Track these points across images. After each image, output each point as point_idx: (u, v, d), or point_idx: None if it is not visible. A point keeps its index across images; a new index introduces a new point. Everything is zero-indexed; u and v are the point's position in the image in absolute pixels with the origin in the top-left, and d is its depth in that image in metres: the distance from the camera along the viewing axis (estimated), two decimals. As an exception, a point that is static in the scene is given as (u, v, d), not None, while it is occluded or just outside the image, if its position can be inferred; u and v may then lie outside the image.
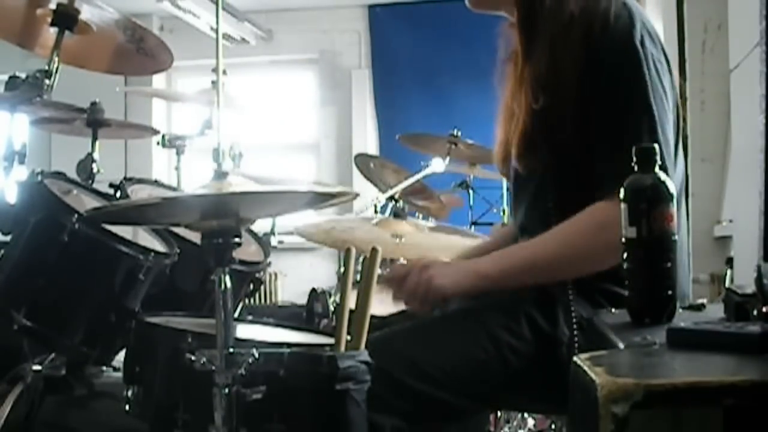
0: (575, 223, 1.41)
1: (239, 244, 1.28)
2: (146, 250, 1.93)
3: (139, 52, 2.28)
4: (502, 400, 1.46)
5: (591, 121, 1.42)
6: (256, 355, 1.28)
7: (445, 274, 1.45)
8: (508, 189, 2.91)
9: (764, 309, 0.98)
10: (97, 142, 2.85)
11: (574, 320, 1.38)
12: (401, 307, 1.53)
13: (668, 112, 1.43)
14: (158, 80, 5.99)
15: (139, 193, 2.31)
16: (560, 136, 1.43)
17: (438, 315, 1.54)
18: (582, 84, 1.41)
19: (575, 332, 1.38)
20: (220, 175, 1.29)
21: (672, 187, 1.11)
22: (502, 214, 3.80)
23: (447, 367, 1.40)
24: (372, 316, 1.33)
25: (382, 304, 1.56)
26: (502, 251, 1.51)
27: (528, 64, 1.49)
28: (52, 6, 2.08)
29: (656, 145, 1.14)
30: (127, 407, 1.53)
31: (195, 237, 1.78)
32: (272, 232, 2.97)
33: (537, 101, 1.45)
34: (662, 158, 1.24)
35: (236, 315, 2.09)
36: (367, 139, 6.08)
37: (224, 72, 2.37)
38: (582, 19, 1.43)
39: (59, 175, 2.15)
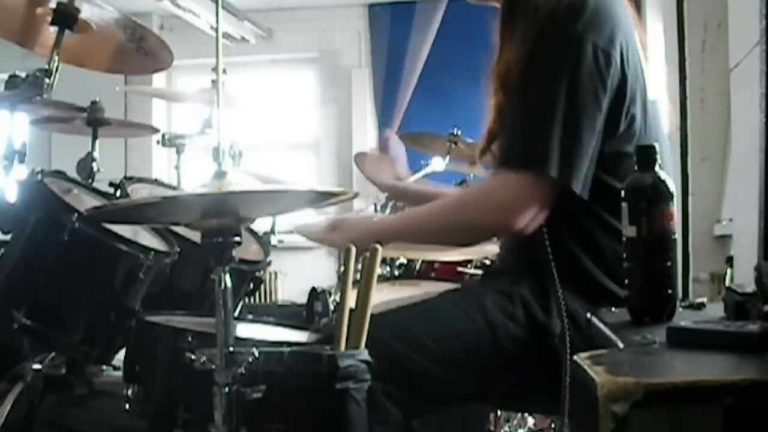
0: (474, 196, 1.51)
1: (239, 243, 1.28)
2: (146, 249, 1.93)
3: (139, 51, 2.28)
4: (489, 381, 1.46)
5: None
6: (256, 354, 1.28)
7: (344, 232, 1.56)
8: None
9: (764, 308, 0.98)
10: (97, 141, 2.85)
11: (565, 314, 1.39)
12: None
13: (588, 111, 1.39)
14: (158, 79, 5.99)
15: (139, 192, 2.31)
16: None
17: (437, 297, 1.56)
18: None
19: (566, 323, 1.39)
20: (220, 174, 1.29)
21: (672, 186, 1.11)
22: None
23: (440, 339, 1.42)
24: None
25: (383, 303, 1.57)
26: (397, 216, 1.61)
27: (498, 60, 1.51)
28: (52, 5, 2.08)
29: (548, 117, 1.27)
30: (127, 406, 1.54)
31: (195, 236, 1.78)
32: (272, 231, 2.97)
33: (498, 95, 1.50)
34: (550, 132, 1.34)
35: (236, 314, 2.09)
36: (367, 139, 6.08)
37: (224, 71, 2.37)
38: (541, 13, 1.43)
39: (59, 174, 2.15)
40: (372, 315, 1.33)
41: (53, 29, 2.08)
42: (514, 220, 1.40)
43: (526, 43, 1.43)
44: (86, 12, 2.11)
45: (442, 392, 1.47)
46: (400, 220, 1.70)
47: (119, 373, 1.64)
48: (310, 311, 2.88)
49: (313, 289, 2.94)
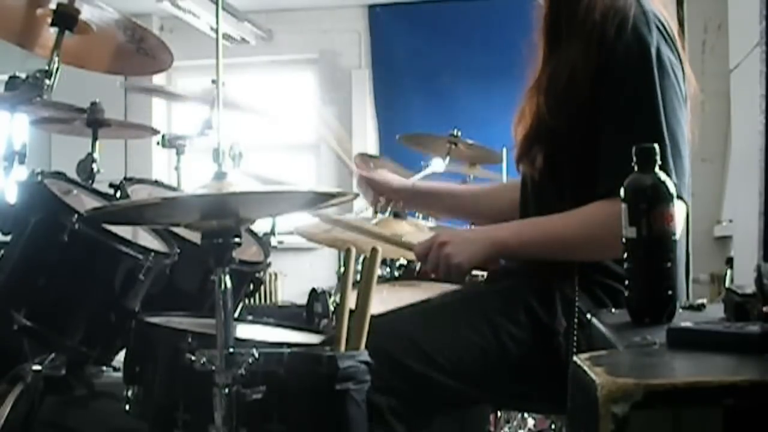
0: (594, 209, 1.41)
1: (239, 244, 1.28)
2: (146, 250, 1.93)
3: (139, 52, 2.28)
4: (499, 387, 1.46)
5: (597, 131, 1.42)
6: (256, 355, 1.28)
7: (462, 249, 1.46)
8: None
9: (764, 309, 0.98)
10: (97, 142, 2.84)
11: (576, 314, 1.39)
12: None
13: (681, 119, 1.42)
14: (158, 80, 5.99)
15: (139, 193, 2.31)
16: (562, 143, 1.45)
17: (439, 301, 1.55)
18: (594, 92, 1.42)
19: (575, 325, 1.39)
20: (220, 175, 1.29)
21: (672, 188, 1.11)
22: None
23: (446, 350, 1.41)
24: (372, 316, 1.33)
25: (383, 304, 1.57)
26: (520, 222, 1.53)
27: (547, 68, 1.50)
28: (52, 6, 2.08)
29: (661, 146, 1.15)
30: (127, 407, 1.53)
31: (195, 237, 1.78)
32: (272, 232, 2.97)
33: (551, 115, 1.46)
34: (665, 160, 1.26)
35: (236, 315, 2.09)
36: (367, 139, 6.08)
37: (224, 72, 2.37)
38: (601, 26, 1.42)
39: (59, 175, 2.15)
40: (375, 324, 1.33)
41: (53, 30, 2.08)
42: None
43: (584, 60, 1.42)
44: (86, 13, 2.11)
45: (449, 402, 1.47)
46: (526, 228, 1.52)
47: (119, 374, 1.64)
48: (310, 312, 2.88)
49: (313, 290, 2.93)
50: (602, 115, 1.42)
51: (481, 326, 1.44)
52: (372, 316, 1.34)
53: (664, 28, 1.47)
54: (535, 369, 1.44)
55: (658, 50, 1.41)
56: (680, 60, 1.48)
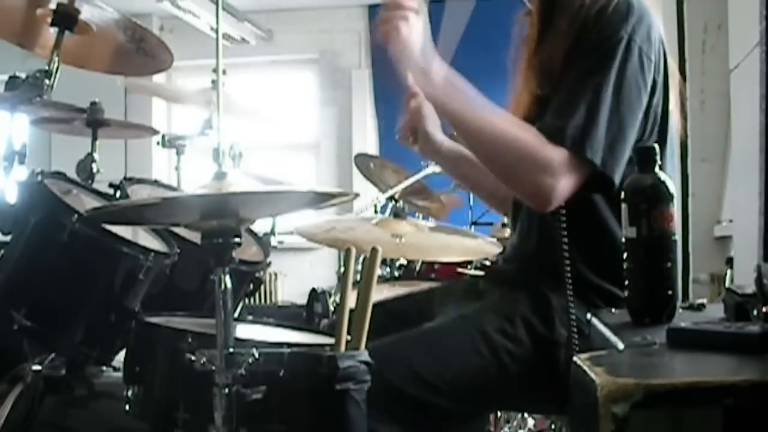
0: (532, 132, 1.41)
1: (239, 244, 1.28)
2: (146, 250, 1.93)
3: (138, 52, 2.28)
4: (502, 404, 1.47)
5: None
6: (256, 355, 1.28)
7: (414, 40, 1.48)
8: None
9: (764, 309, 0.98)
10: (97, 142, 2.84)
11: (573, 321, 1.38)
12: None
13: (634, 106, 1.42)
14: (158, 80, 5.99)
15: (138, 193, 2.31)
16: None
17: (435, 323, 1.55)
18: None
19: (574, 333, 1.38)
20: (220, 175, 1.29)
21: (672, 187, 1.11)
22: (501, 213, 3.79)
23: (446, 374, 1.41)
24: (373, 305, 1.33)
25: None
26: (468, 90, 1.50)
27: (538, 51, 1.52)
28: (52, 6, 2.08)
29: (595, 121, 1.26)
30: (127, 407, 1.53)
31: (195, 237, 1.78)
32: (272, 232, 2.97)
33: (542, 88, 1.48)
34: (590, 132, 1.34)
35: (236, 315, 2.09)
36: (367, 139, 6.08)
37: (224, 72, 2.37)
38: (587, 10, 1.45)
39: (59, 175, 2.15)
40: (373, 350, 1.32)
41: (53, 30, 2.08)
42: (552, 186, 1.37)
43: (570, 38, 1.45)
44: (86, 13, 2.11)
45: (452, 421, 1.47)
46: (457, 91, 1.50)
47: (119, 374, 1.64)
48: (310, 312, 2.88)
49: (313, 290, 2.93)
50: (559, 87, 1.44)
51: (479, 346, 1.44)
52: (369, 340, 1.33)
53: (646, 21, 1.46)
54: (537, 381, 1.44)
55: (630, 39, 1.42)
56: (664, 55, 1.49)
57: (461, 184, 2.19)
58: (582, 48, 1.44)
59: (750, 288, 1.04)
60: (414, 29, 1.48)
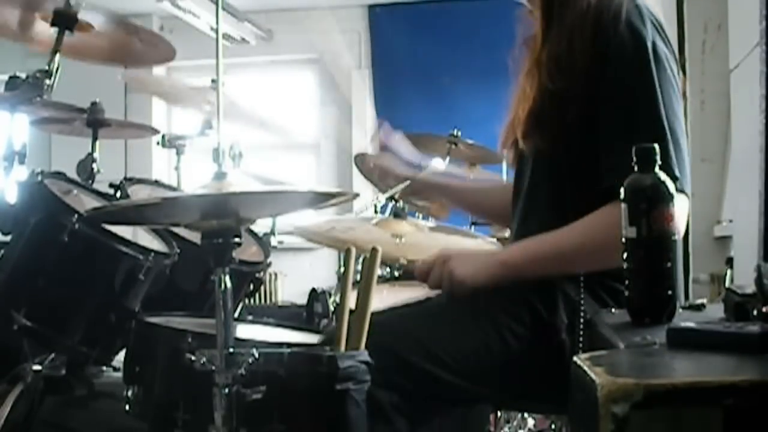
0: (596, 218, 1.42)
1: (239, 244, 1.28)
2: (146, 250, 1.93)
3: (138, 43, 2.28)
4: (500, 384, 1.46)
5: (596, 111, 1.44)
6: (256, 355, 1.28)
7: (466, 265, 1.47)
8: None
9: (764, 309, 0.98)
10: (97, 142, 2.84)
11: (582, 314, 1.39)
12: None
13: (678, 113, 1.44)
14: (158, 78, 5.98)
15: (139, 193, 2.31)
16: (568, 117, 1.46)
17: (441, 299, 1.55)
18: (592, 71, 1.44)
19: (581, 324, 1.38)
20: (220, 175, 1.29)
21: (671, 187, 1.11)
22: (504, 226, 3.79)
23: (449, 346, 1.42)
24: (374, 313, 1.33)
25: (383, 304, 1.57)
26: (525, 242, 1.52)
27: (545, 47, 1.52)
28: (52, 6, 2.08)
29: (663, 142, 1.16)
30: (127, 407, 1.53)
31: (195, 237, 1.78)
32: (272, 232, 2.97)
33: (552, 80, 1.48)
34: (667, 155, 1.29)
35: (236, 315, 2.09)
36: (367, 139, 6.08)
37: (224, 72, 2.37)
38: (595, 10, 1.46)
39: (59, 175, 2.15)
40: (377, 321, 1.33)
41: (53, 30, 2.08)
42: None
43: (581, 33, 1.45)
44: (86, 14, 2.11)
45: (451, 398, 1.47)
46: (531, 244, 1.50)
47: (119, 374, 1.64)
48: (310, 312, 2.88)
49: (313, 290, 2.94)
50: (601, 112, 1.44)
51: (483, 323, 1.45)
52: (374, 314, 1.34)
53: (657, 21, 1.48)
54: (536, 366, 1.44)
55: (654, 44, 1.44)
56: (674, 54, 1.50)
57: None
58: (609, 70, 1.43)
59: (750, 288, 1.04)
60: (458, 261, 1.48)
